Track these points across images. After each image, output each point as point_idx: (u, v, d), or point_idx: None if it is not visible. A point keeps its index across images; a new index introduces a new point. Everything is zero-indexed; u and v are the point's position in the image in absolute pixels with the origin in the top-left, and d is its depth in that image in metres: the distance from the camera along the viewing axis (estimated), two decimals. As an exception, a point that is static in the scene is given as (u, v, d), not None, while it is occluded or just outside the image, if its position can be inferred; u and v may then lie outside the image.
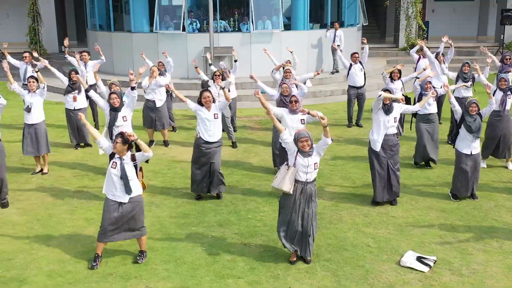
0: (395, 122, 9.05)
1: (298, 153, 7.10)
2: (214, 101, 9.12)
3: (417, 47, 14.62)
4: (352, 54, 14.03)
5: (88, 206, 9.20)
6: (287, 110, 9.19)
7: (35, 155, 10.75)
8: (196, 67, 12.65)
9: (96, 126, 13.69)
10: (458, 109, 9.36)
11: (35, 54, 13.87)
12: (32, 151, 10.58)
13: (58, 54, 25.57)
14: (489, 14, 28.00)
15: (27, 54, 14.20)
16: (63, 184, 10.24)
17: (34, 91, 10.51)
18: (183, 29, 19.04)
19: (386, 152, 9.05)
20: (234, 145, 12.60)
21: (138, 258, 7.36)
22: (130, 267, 7.19)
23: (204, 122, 9.15)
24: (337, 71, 19.92)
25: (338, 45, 18.88)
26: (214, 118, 9.15)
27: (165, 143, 12.63)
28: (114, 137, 8.96)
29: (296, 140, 7.09)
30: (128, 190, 7.06)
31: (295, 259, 7.30)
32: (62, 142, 12.87)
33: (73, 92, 12.03)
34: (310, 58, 19.76)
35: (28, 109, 10.42)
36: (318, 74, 11.81)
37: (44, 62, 12.46)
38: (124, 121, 9.24)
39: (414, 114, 11.19)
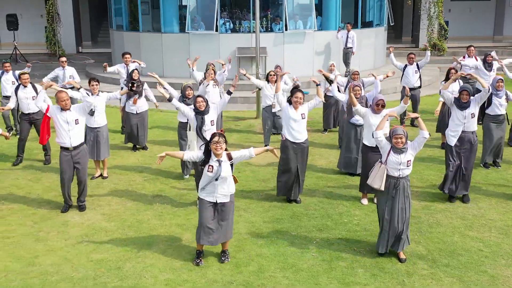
0: (472, 118, 9.08)
1: (391, 150, 7.16)
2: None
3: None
4: (408, 55, 13.91)
5: (174, 211, 8.97)
6: (370, 110, 9.05)
7: (95, 159, 10.47)
8: (245, 74, 12.24)
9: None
10: None
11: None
12: (91, 155, 10.22)
13: (75, 54, 25.21)
14: (506, 14, 28.12)
15: (64, 59, 13.93)
16: (137, 188, 9.99)
17: (97, 94, 10.24)
18: (216, 29, 18.79)
19: (462, 148, 9.12)
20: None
21: (223, 258, 7.32)
22: (247, 275, 6.99)
23: (290, 122, 8.96)
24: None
25: (350, 47, 18.80)
26: (302, 118, 8.97)
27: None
28: (206, 141, 8.79)
29: (391, 136, 7.16)
30: (227, 190, 7.03)
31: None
32: (117, 145, 12.61)
33: (134, 96, 11.77)
34: (341, 58, 19.58)
35: (92, 113, 10.14)
36: (388, 76, 11.55)
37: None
38: (211, 125, 8.97)
39: (483, 115, 11.14)
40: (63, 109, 8.53)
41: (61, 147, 8.68)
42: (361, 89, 10.19)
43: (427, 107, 15.70)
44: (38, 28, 27.42)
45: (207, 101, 8.96)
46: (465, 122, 9.04)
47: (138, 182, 10.29)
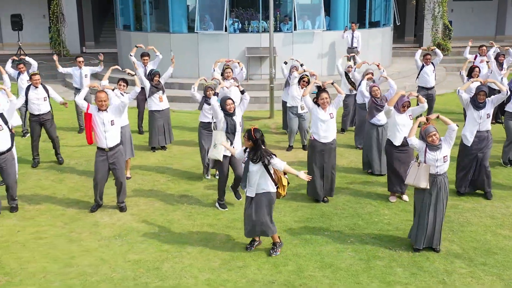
0: (488, 118, 9.28)
1: (427, 149, 7.29)
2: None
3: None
4: (424, 56, 14.01)
5: (203, 211, 8.96)
6: (395, 110, 9.13)
7: None
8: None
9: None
10: None
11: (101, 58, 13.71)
12: None
13: (80, 55, 25.06)
14: (508, 14, 28.28)
15: (81, 59, 13.93)
16: (162, 189, 9.97)
17: (123, 94, 10.24)
18: (225, 29, 18.77)
19: (479, 147, 9.29)
20: (304, 148, 12.42)
21: (272, 251, 7.47)
22: (287, 274, 7.00)
23: (319, 123, 8.98)
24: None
25: (355, 47, 18.84)
26: (330, 118, 9.00)
27: None
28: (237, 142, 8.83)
29: (424, 136, 7.32)
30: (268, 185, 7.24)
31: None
32: (136, 145, 12.56)
33: (158, 93, 11.74)
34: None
35: None
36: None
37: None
38: (239, 126, 8.98)
39: (502, 113, 11.23)
40: (100, 109, 8.49)
41: (97, 148, 8.63)
42: (379, 89, 10.28)
43: (438, 106, 15.75)
44: (41, 29, 27.33)
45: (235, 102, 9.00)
46: (480, 122, 9.20)
47: (162, 183, 10.26)
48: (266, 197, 7.25)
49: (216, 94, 9.35)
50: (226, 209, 8.95)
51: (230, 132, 8.79)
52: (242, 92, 9.18)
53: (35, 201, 9.44)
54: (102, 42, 29.69)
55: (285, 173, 7.45)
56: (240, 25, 19.26)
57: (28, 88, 11.13)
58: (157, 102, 11.75)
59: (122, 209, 8.89)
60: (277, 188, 7.35)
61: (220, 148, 8.80)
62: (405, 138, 9.07)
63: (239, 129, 8.92)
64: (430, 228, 7.42)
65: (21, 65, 13.29)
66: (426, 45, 25.04)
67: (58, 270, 7.13)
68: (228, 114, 8.84)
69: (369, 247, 7.71)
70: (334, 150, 9.24)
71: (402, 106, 9.04)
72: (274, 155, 7.19)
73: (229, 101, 8.81)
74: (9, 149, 8.74)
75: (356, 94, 12.34)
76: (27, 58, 13.66)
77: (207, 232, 8.21)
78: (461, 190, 9.51)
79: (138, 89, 10.06)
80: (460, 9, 28.38)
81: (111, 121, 8.54)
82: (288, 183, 7.60)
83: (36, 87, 11.12)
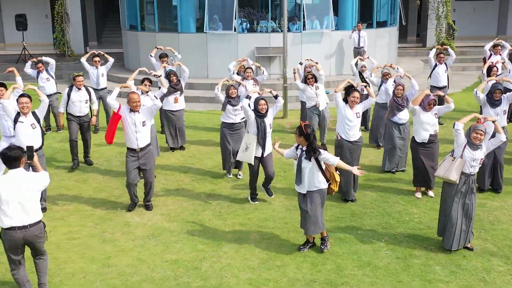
0: (504, 114, 9.54)
1: (467, 145, 7.34)
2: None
3: (491, 43, 14.92)
4: (437, 55, 14.08)
5: (233, 211, 8.96)
6: (420, 108, 9.21)
7: None
8: (294, 73, 12.38)
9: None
10: None
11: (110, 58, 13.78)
12: None
13: (84, 55, 24.97)
14: (509, 14, 28.45)
15: (97, 58, 13.92)
16: (188, 188, 9.96)
17: (147, 94, 10.18)
18: (234, 29, 18.77)
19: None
20: (323, 146, 12.42)
21: (322, 247, 7.55)
22: (327, 273, 7.02)
23: (346, 121, 9.01)
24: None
25: (362, 47, 18.93)
26: (356, 117, 9.04)
27: None
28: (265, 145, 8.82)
29: (471, 131, 7.36)
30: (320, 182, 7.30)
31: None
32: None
33: (175, 93, 11.72)
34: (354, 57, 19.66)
35: None
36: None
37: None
38: (269, 128, 8.99)
39: None
40: (132, 110, 8.47)
41: (128, 148, 8.62)
42: (403, 89, 10.35)
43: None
44: (43, 28, 27.22)
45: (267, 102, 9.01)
46: (497, 119, 9.28)
47: (187, 182, 10.25)
48: (320, 193, 7.31)
49: (248, 97, 9.34)
50: (256, 202, 9.14)
51: (261, 134, 8.81)
52: (276, 97, 9.20)
53: (62, 201, 9.41)
54: (104, 42, 29.61)
55: (336, 169, 7.50)
56: (248, 25, 19.25)
57: (70, 89, 10.98)
58: (172, 103, 11.71)
59: (148, 207, 8.91)
60: (329, 184, 7.37)
61: (251, 151, 8.83)
62: (431, 135, 9.19)
63: (269, 131, 8.95)
64: (459, 228, 7.43)
65: (40, 64, 13.29)
66: (431, 44, 25.21)
67: (96, 270, 7.11)
68: (260, 116, 8.85)
69: (404, 245, 7.74)
70: (361, 148, 9.30)
71: (428, 104, 9.13)
72: (326, 150, 7.26)
73: (262, 102, 8.82)
74: (41, 147, 8.74)
75: (367, 94, 12.36)
76: (44, 58, 13.63)
77: (240, 231, 8.21)
78: (484, 187, 9.60)
79: (164, 90, 10.03)
80: (462, 9, 28.51)
81: (143, 122, 8.51)
82: (340, 179, 7.69)
83: (79, 89, 10.98)
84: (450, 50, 14.91)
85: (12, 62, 22.32)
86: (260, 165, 9.10)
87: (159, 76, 10.41)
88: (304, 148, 7.27)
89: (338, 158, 7.34)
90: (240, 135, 10.21)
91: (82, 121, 11.09)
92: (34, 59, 13.74)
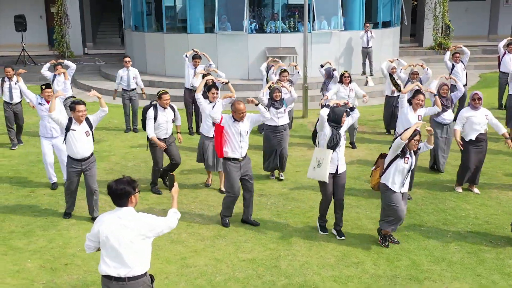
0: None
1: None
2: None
3: (504, 41, 15.37)
4: (453, 55, 14.34)
5: (290, 210, 9.04)
6: (469, 109, 9.46)
7: (215, 170, 10.01)
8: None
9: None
10: None
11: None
12: (211, 165, 9.86)
13: (83, 56, 24.77)
14: (500, 14, 29.07)
15: (128, 59, 13.86)
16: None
17: (215, 103, 9.86)
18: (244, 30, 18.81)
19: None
20: (352, 145, 12.60)
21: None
22: (405, 269, 7.15)
23: (405, 123, 9.18)
24: (371, 75, 19.63)
25: (370, 47, 19.24)
26: (418, 120, 9.26)
27: None
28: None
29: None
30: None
31: None
32: (193, 147, 12.55)
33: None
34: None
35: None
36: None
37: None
38: (344, 140, 8.89)
39: None
40: (236, 119, 8.19)
41: (229, 158, 8.23)
42: (449, 89, 10.52)
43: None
44: (38, 29, 26.83)
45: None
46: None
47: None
48: None
49: (326, 106, 8.14)
50: (327, 233, 8.22)
51: (334, 146, 7.75)
52: (352, 109, 8.19)
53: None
54: (99, 43, 29.34)
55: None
56: (257, 25, 19.31)
57: (156, 109, 9.34)
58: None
59: (253, 223, 8.52)
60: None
61: (325, 167, 7.76)
62: (480, 134, 9.40)
63: (343, 142, 7.90)
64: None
65: (59, 67, 13.08)
66: (428, 44, 25.63)
67: (177, 271, 7.11)
68: (336, 127, 7.78)
69: (470, 241, 7.91)
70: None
71: (472, 99, 9.51)
72: None
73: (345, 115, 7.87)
74: (92, 154, 8.66)
75: (399, 96, 12.53)
76: (66, 62, 13.46)
77: (304, 230, 8.29)
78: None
79: (233, 97, 9.67)
80: (454, 9, 28.95)
81: (246, 131, 8.26)
82: None
83: (164, 108, 9.42)
84: (464, 48, 15.08)
85: (9, 63, 21.91)
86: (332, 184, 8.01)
87: (227, 83, 10.28)
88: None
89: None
90: (283, 137, 10.27)
91: (167, 142, 9.61)
92: (54, 61, 13.55)
